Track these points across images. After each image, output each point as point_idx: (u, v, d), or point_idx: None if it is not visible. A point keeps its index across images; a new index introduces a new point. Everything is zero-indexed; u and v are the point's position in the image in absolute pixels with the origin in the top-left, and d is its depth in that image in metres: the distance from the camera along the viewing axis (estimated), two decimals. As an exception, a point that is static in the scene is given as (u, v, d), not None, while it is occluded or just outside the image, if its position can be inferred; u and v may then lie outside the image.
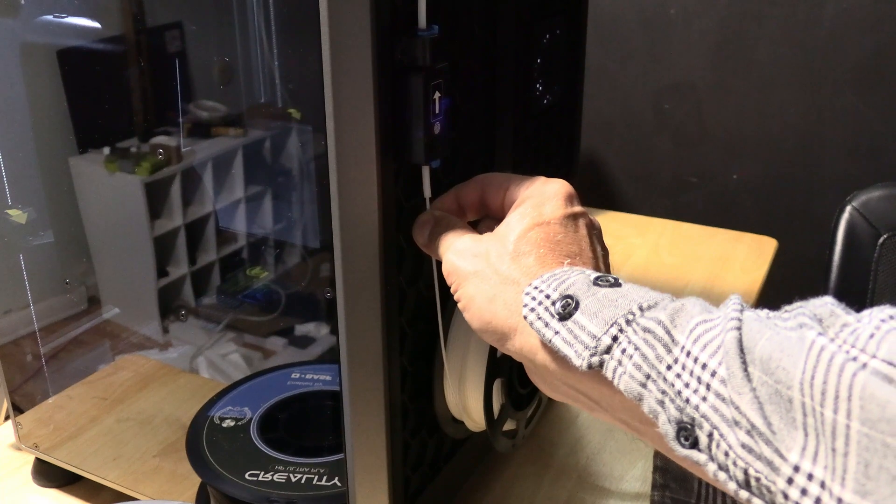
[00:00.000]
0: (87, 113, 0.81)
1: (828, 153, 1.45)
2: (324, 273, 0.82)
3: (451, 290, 0.46)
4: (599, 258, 0.46)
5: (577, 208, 0.46)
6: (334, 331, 0.49)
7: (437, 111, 0.46)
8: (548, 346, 0.40)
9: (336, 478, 0.61)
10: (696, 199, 1.58)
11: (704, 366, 0.34)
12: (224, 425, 0.68)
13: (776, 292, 1.24)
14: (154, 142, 0.82)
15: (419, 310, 0.53)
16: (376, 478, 0.52)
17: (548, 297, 0.40)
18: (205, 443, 0.66)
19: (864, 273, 1.07)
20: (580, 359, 0.38)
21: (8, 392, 0.75)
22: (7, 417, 0.76)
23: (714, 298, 1.20)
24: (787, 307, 0.36)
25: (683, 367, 0.35)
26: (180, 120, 0.82)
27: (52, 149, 0.81)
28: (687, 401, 0.34)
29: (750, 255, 1.22)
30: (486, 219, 0.51)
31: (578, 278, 0.40)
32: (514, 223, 0.45)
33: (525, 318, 0.41)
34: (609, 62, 1.56)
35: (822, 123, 1.44)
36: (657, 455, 0.66)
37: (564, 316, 0.39)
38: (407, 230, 0.50)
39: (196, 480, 0.67)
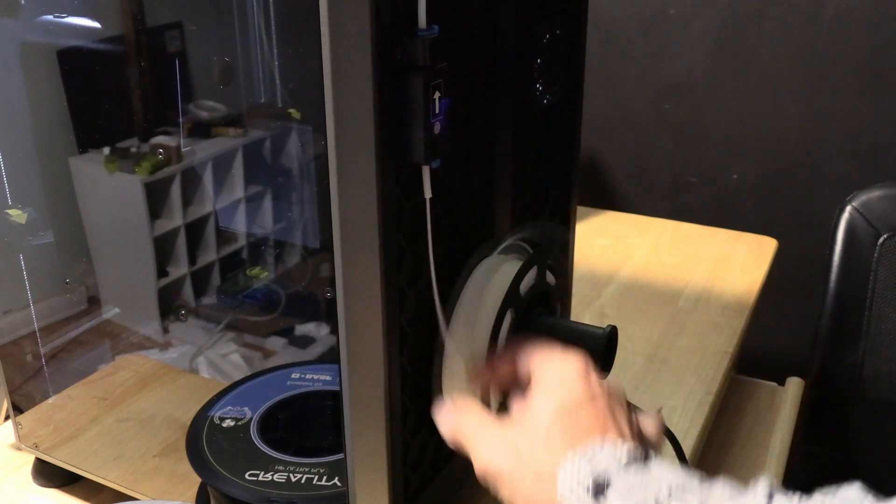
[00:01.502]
0: (87, 113, 0.81)
1: (828, 153, 1.45)
2: (324, 273, 0.82)
3: (490, 486, 0.48)
4: (623, 425, 0.47)
5: (595, 386, 0.48)
6: (334, 331, 0.49)
7: (437, 111, 0.46)
8: None
9: (336, 478, 0.61)
10: (696, 199, 1.58)
11: None
12: (224, 425, 0.68)
13: (776, 292, 1.24)
14: (154, 142, 0.82)
15: (419, 310, 0.53)
16: (376, 478, 0.52)
17: (580, 483, 0.42)
18: (205, 443, 0.65)
19: (864, 273, 1.07)
20: None
21: (8, 392, 0.75)
22: (7, 417, 0.76)
23: (714, 298, 1.18)
24: (820, 492, 0.37)
25: None
26: (180, 120, 0.82)
27: (52, 149, 0.81)
28: None
29: (750, 255, 1.22)
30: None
31: (610, 462, 0.42)
32: (539, 413, 0.47)
33: None
34: (609, 62, 1.56)
35: (822, 123, 1.44)
36: None
37: (597, 496, 0.41)
38: (407, 230, 0.50)
39: (196, 480, 0.67)
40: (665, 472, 0.41)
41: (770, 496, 0.37)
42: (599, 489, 0.41)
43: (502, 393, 0.55)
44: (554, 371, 0.49)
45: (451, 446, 0.51)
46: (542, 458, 0.45)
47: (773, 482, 0.39)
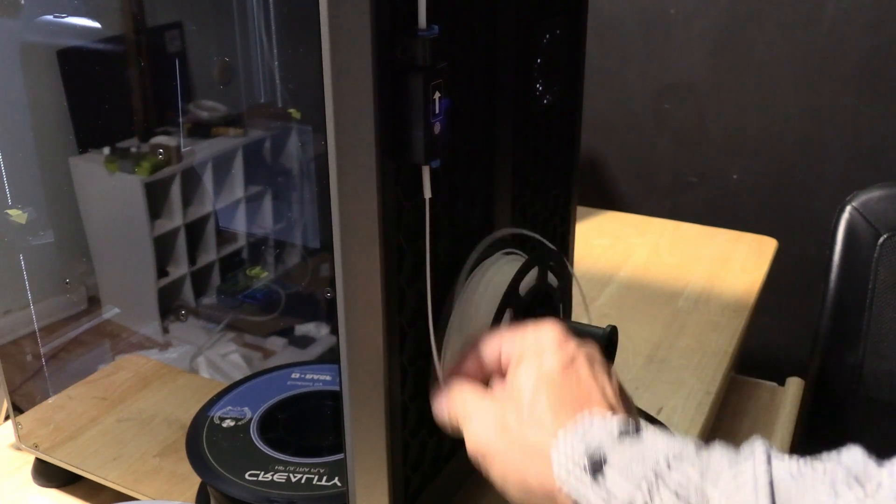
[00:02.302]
0: (87, 113, 0.81)
1: (828, 153, 1.45)
2: (324, 273, 0.82)
3: (482, 467, 0.47)
4: (606, 387, 0.47)
5: (572, 349, 0.48)
6: (334, 331, 0.49)
7: (437, 111, 0.46)
8: None
9: (336, 478, 0.61)
10: (696, 199, 1.58)
11: None
12: (224, 425, 0.68)
13: (776, 292, 1.24)
14: (154, 142, 0.82)
15: (419, 310, 0.53)
16: (376, 478, 0.52)
17: (575, 463, 0.42)
18: (205, 443, 0.66)
19: (864, 273, 1.07)
20: None
21: (8, 392, 0.75)
22: (7, 417, 0.76)
23: (714, 298, 1.18)
24: (819, 457, 0.37)
25: None
26: (180, 120, 0.82)
27: (52, 149, 0.81)
28: None
29: (750, 255, 1.22)
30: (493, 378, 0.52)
31: (602, 435, 0.42)
32: (521, 383, 0.47)
33: (560, 488, 0.42)
34: (609, 62, 1.56)
35: (822, 123, 1.44)
36: None
37: (595, 472, 0.40)
38: (407, 230, 0.50)
39: (196, 480, 0.67)
40: (660, 441, 0.41)
41: (768, 461, 0.37)
42: (596, 466, 0.41)
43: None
44: (529, 342, 0.49)
45: (448, 431, 0.51)
46: (530, 433, 0.45)
47: (769, 444, 0.39)
